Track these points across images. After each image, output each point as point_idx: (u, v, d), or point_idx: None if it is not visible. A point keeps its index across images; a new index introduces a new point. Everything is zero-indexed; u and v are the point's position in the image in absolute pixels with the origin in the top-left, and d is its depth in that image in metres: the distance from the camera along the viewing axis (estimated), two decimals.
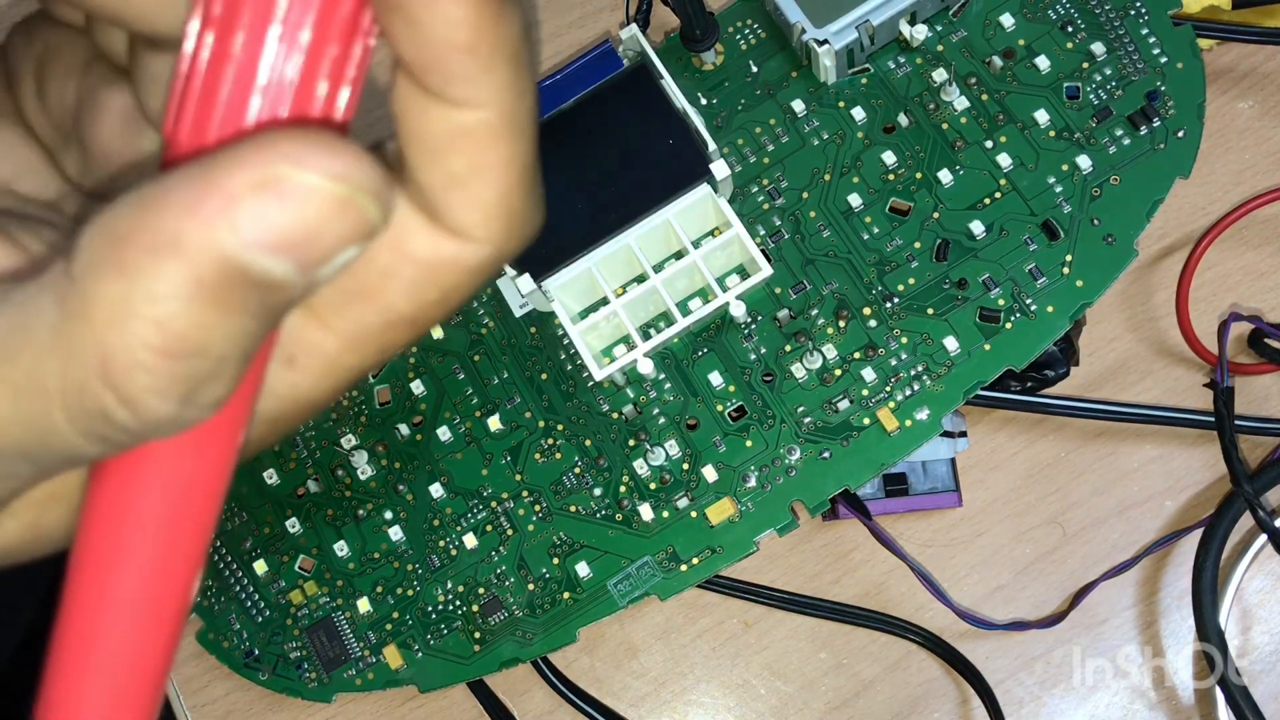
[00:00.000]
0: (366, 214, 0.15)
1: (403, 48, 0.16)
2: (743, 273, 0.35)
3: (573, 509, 0.35)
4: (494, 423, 0.35)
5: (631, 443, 0.35)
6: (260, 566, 0.35)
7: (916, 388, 0.34)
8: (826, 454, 0.34)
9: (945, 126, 0.36)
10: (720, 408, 0.34)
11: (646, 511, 0.34)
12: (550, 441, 0.35)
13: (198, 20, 0.15)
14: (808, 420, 0.34)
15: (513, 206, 0.17)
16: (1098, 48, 0.36)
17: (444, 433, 0.35)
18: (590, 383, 0.35)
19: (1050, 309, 0.34)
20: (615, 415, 0.35)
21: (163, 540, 0.16)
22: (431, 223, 0.17)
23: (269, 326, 0.15)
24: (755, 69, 0.37)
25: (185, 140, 0.16)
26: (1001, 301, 0.34)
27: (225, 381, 0.15)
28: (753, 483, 0.34)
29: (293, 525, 0.36)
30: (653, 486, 0.34)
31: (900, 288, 0.35)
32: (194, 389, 0.15)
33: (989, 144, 0.35)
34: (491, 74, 0.16)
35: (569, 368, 0.35)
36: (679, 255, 0.35)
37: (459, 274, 0.17)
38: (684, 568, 0.34)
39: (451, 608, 0.35)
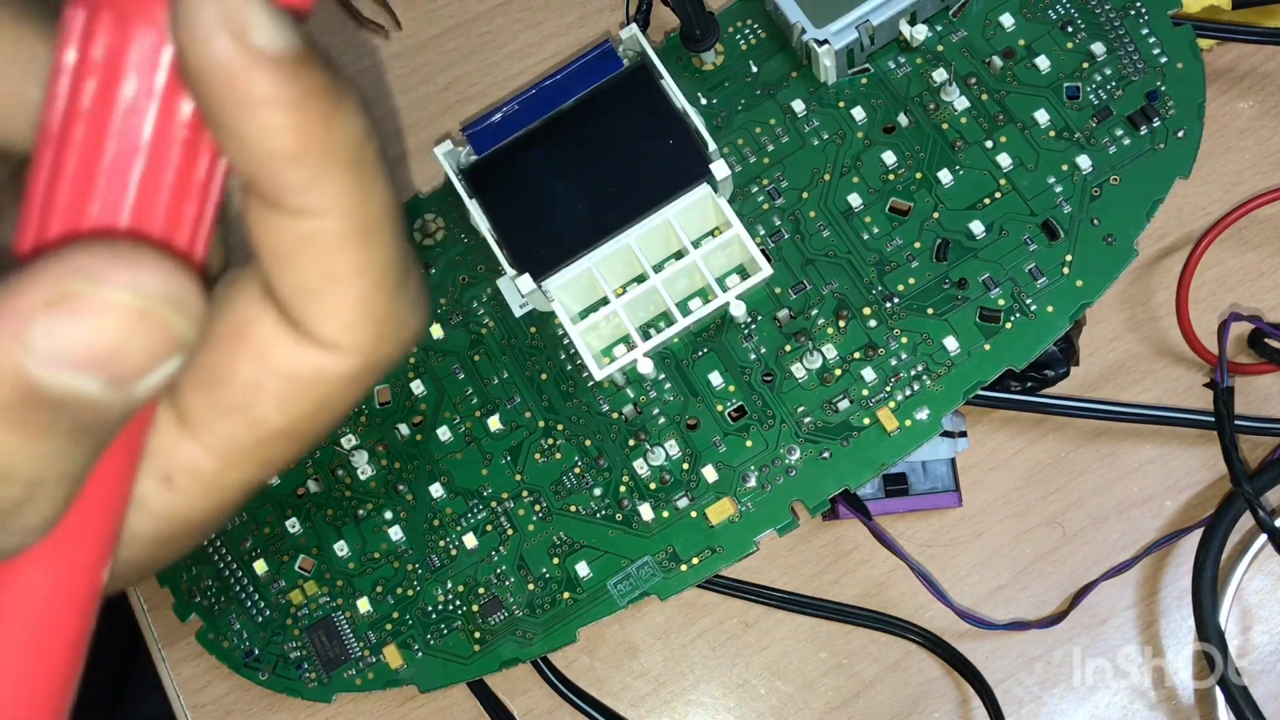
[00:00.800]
0: (172, 328, 0.15)
1: (233, 160, 0.15)
2: (743, 273, 0.35)
3: (573, 509, 0.35)
4: (494, 423, 0.35)
5: (631, 443, 0.35)
6: (260, 566, 0.35)
7: (916, 388, 0.34)
8: (826, 454, 0.34)
9: (945, 126, 0.36)
10: (720, 408, 0.34)
11: (646, 511, 0.34)
12: (550, 441, 0.35)
13: (42, 138, 0.15)
14: (808, 420, 0.34)
15: (377, 313, 0.17)
16: (1098, 48, 0.36)
17: (444, 433, 0.35)
18: (590, 383, 0.35)
19: (1050, 309, 0.34)
20: (615, 415, 0.35)
21: (20, 657, 0.16)
22: (295, 333, 0.16)
23: (94, 445, 0.15)
24: (755, 69, 0.37)
25: (26, 257, 0.15)
26: (1001, 301, 0.34)
27: (47, 505, 0.15)
28: (753, 483, 0.34)
29: (293, 525, 0.36)
30: (653, 486, 0.34)
31: (900, 288, 0.35)
32: (7, 515, 0.15)
33: (989, 144, 0.35)
34: (327, 180, 0.16)
35: (569, 368, 0.35)
36: (679, 255, 0.35)
37: (329, 385, 0.17)
38: (684, 568, 0.34)
39: (451, 608, 0.35)
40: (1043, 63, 0.36)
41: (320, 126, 0.15)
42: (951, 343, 0.34)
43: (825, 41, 0.35)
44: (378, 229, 0.16)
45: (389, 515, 0.35)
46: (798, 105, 0.36)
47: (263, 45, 0.14)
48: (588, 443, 0.35)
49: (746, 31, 0.37)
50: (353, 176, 0.16)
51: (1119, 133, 0.35)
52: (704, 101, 0.37)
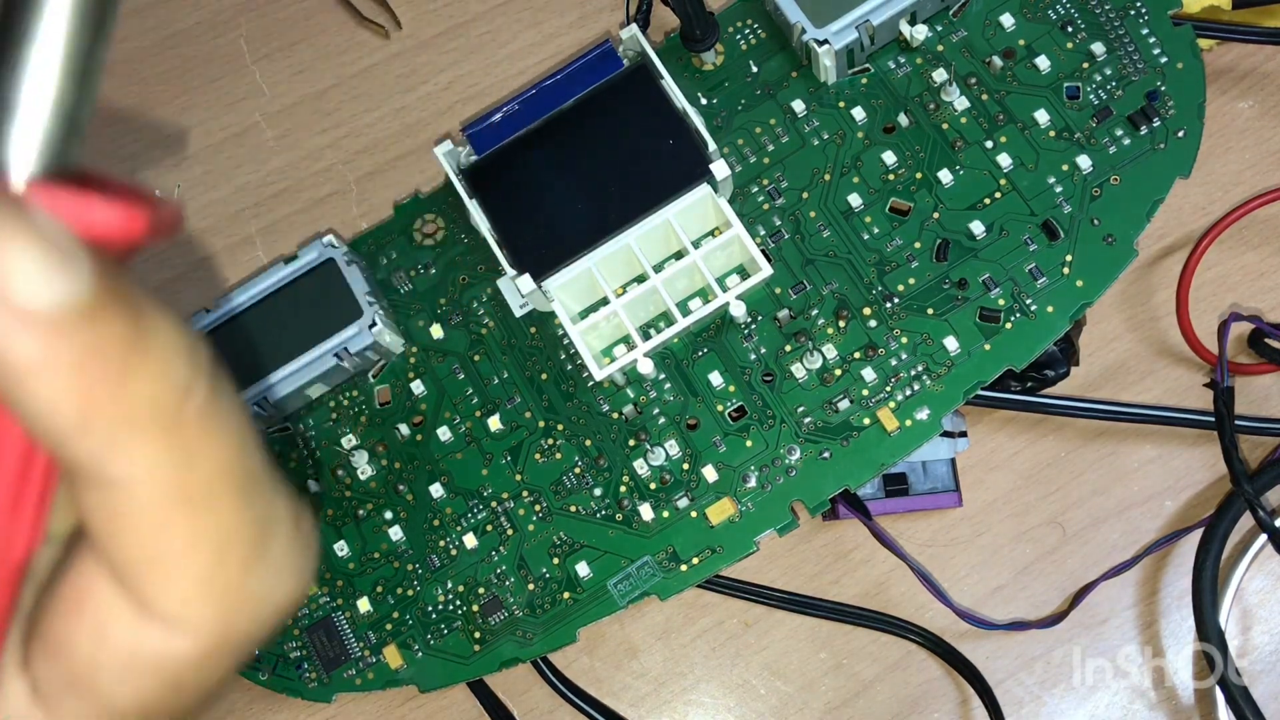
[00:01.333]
0: None
1: (26, 428, 0.13)
2: (743, 273, 0.35)
3: (573, 509, 0.35)
4: (494, 423, 0.35)
5: (632, 443, 0.35)
6: None
7: (916, 388, 0.34)
8: (826, 454, 0.34)
9: (945, 126, 0.36)
10: (720, 408, 0.34)
11: (646, 511, 0.34)
12: (550, 441, 0.35)
13: None
14: (808, 420, 0.34)
15: (223, 587, 0.14)
16: (1098, 48, 0.36)
17: (444, 433, 0.35)
18: (590, 383, 0.35)
19: (1050, 309, 0.34)
20: (615, 415, 0.35)
21: None
22: (135, 605, 0.14)
23: None
24: (755, 69, 0.37)
25: None
26: (1001, 301, 0.34)
27: None
28: (753, 483, 0.34)
29: None
30: (653, 486, 0.34)
31: (900, 288, 0.35)
32: None
33: (989, 144, 0.35)
34: (126, 448, 0.13)
35: (569, 368, 0.35)
36: (679, 255, 0.35)
37: (176, 665, 0.15)
38: (684, 568, 0.34)
39: (451, 608, 0.35)
40: (1043, 63, 0.36)
41: (110, 388, 0.13)
42: (951, 343, 0.34)
43: (825, 41, 0.35)
44: (208, 495, 0.14)
45: (389, 515, 0.35)
46: (798, 105, 0.36)
47: (27, 304, 0.12)
48: (588, 443, 0.35)
49: (746, 31, 0.37)
50: (162, 440, 0.13)
51: (1119, 133, 0.35)
52: (704, 101, 0.37)
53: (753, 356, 0.35)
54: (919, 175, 0.35)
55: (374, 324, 0.35)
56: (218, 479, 0.14)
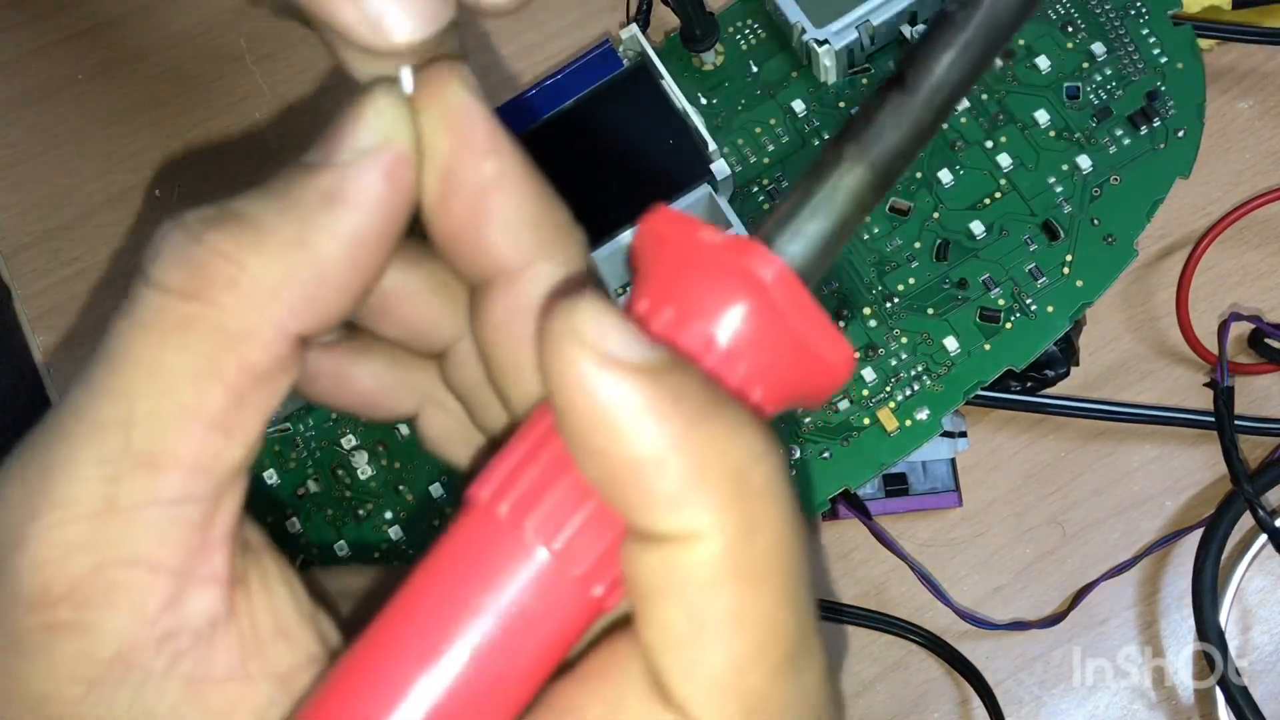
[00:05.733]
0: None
1: (597, 483, 0.15)
2: None
3: None
4: None
5: None
6: None
7: (916, 388, 0.34)
8: (826, 454, 0.34)
9: (945, 126, 0.36)
10: None
11: None
12: None
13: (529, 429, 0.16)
14: (808, 420, 0.34)
15: (749, 685, 0.15)
16: (1098, 48, 0.36)
17: None
18: None
19: (1050, 309, 0.34)
20: None
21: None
22: (653, 691, 0.15)
23: None
24: (755, 69, 0.37)
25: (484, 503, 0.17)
26: (1001, 301, 0.34)
27: None
28: None
29: (293, 525, 0.36)
30: None
31: (900, 288, 0.35)
32: None
33: (989, 144, 0.35)
34: (700, 495, 0.14)
35: None
36: None
37: None
38: None
39: None
40: (1043, 63, 0.36)
41: (688, 433, 0.14)
42: (951, 343, 0.34)
43: (825, 41, 0.35)
44: (762, 573, 0.15)
45: (389, 515, 0.35)
46: (798, 105, 0.36)
47: (618, 354, 0.14)
48: None
49: (746, 31, 0.37)
50: (731, 499, 0.14)
51: (1119, 133, 0.35)
52: (704, 101, 0.37)
53: None
54: (919, 175, 0.35)
55: None
56: (772, 558, 0.15)
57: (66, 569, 0.16)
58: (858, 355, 0.34)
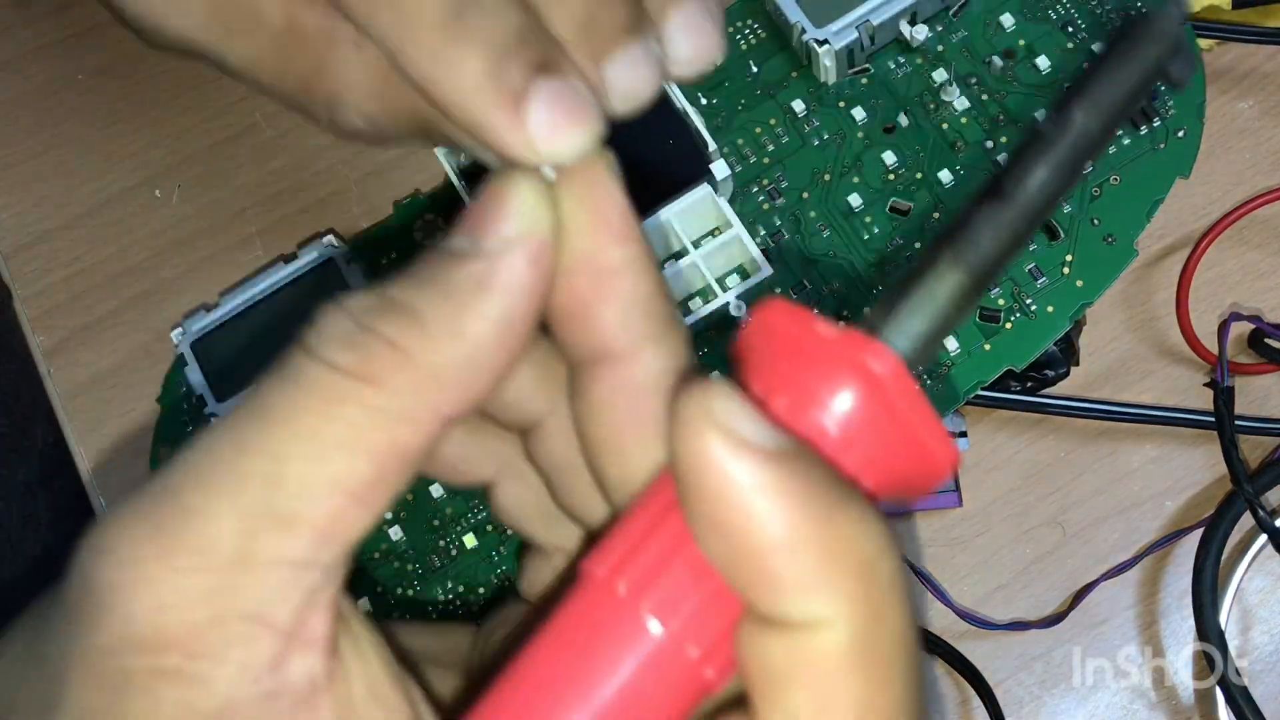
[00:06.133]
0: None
1: (721, 565, 0.15)
2: (743, 273, 0.35)
3: None
4: None
5: None
6: None
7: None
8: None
9: (945, 126, 0.36)
10: None
11: None
12: None
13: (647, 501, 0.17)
14: None
15: None
16: (1098, 48, 0.36)
17: None
18: None
19: (1050, 309, 0.34)
20: None
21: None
22: None
23: None
24: (755, 69, 0.37)
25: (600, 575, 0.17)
26: (1001, 301, 0.34)
27: None
28: None
29: None
30: None
31: None
32: None
33: (989, 144, 0.35)
34: (828, 582, 0.15)
35: None
36: (679, 255, 0.35)
37: None
38: None
39: (451, 608, 0.34)
40: (1043, 63, 0.36)
41: (818, 521, 0.15)
42: (951, 343, 0.34)
43: (825, 41, 0.35)
44: (886, 664, 0.15)
45: (389, 515, 0.35)
46: (798, 105, 0.36)
47: (749, 437, 0.15)
48: None
49: (746, 31, 0.37)
50: (859, 589, 0.15)
51: (1119, 132, 0.35)
52: (704, 101, 0.37)
53: None
54: (919, 175, 0.35)
55: None
56: (897, 646, 0.15)
57: (185, 616, 0.16)
58: None
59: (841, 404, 0.16)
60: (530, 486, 0.23)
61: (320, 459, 0.17)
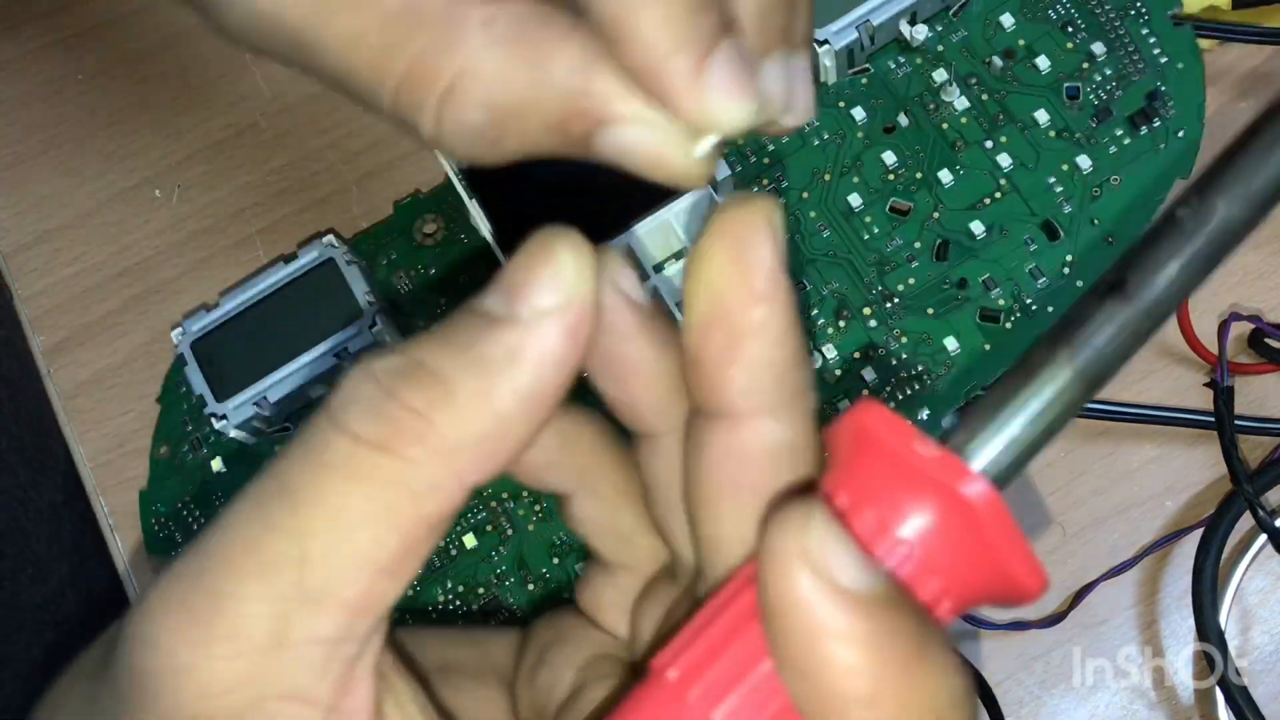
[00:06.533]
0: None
1: (800, 703, 0.16)
2: None
3: None
4: None
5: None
6: None
7: (917, 387, 0.34)
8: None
9: (945, 126, 0.36)
10: None
11: None
12: None
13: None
14: None
15: None
16: (1098, 48, 0.36)
17: None
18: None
19: (1050, 309, 0.34)
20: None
21: None
22: None
23: None
24: None
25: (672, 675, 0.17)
26: (1001, 301, 0.34)
27: None
28: None
29: None
30: None
31: (900, 288, 0.35)
32: None
33: (989, 144, 0.35)
34: None
35: None
36: (679, 255, 0.35)
37: None
38: None
39: (451, 608, 0.34)
40: (1043, 63, 0.36)
41: (898, 674, 0.15)
42: (951, 343, 0.34)
43: (825, 41, 0.35)
44: None
45: None
46: None
47: (843, 582, 0.15)
48: None
49: None
50: None
51: (1119, 133, 0.35)
52: None
53: None
54: (919, 175, 0.35)
55: (374, 324, 0.35)
56: None
57: (229, 701, 0.17)
58: (858, 356, 0.34)
59: (932, 529, 0.16)
60: (605, 505, 0.22)
61: (347, 537, 0.17)
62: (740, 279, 0.18)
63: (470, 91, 0.18)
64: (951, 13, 0.36)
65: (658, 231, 0.34)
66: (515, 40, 0.17)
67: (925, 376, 0.34)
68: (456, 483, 0.18)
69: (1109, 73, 0.35)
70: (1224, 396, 0.34)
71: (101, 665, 0.19)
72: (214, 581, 0.17)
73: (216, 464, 0.36)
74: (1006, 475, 0.16)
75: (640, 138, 0.18)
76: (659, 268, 0.34)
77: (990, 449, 0.16)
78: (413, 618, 0.35)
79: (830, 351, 0.34)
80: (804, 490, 0.18)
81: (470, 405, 0.17)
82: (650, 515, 0.22)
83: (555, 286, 0.18)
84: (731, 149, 0.36)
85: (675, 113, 0.17)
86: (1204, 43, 0.37)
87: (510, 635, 0.24)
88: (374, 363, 0.18)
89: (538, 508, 0.35)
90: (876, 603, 0.15)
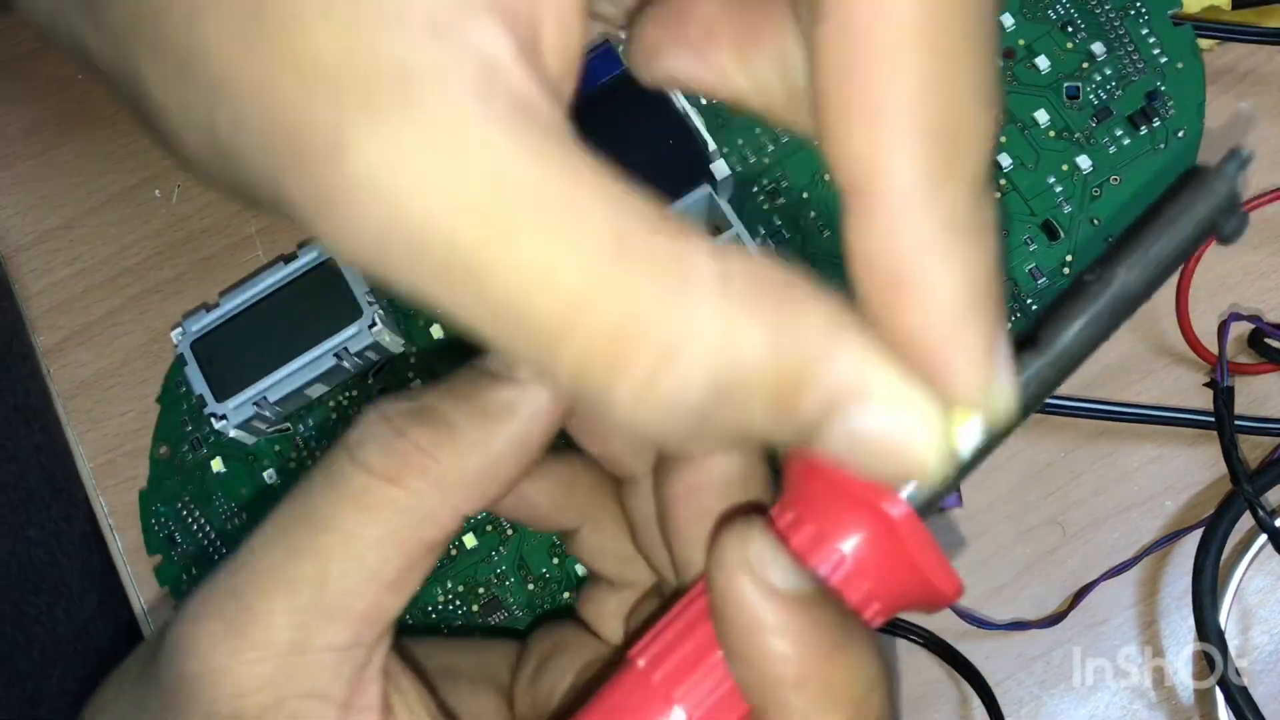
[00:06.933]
0: None
1: (741, 683, 0.18)
2: None
3: None
4: None
5: None
6: None
7: None
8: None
9: None
10: None
11: None
12: None
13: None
14: None
15: None
16: (1098, 48, 0.36)
17: None
18: None
19: None
20: None
21: None
22: None
23: None
24: None
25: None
26: None
27: None
28: None
29: None
30: None
31: None
32: None
33: None
34: (824, 714, 0.18)
35: None
36: None
37: None
38: None
39: (451, 608, 0.34)
40: (1043, 63, 0.36)
41: (821, 661, 0.18)
42: None
43: None
44: None
45: None
46: None
47: (776, 584, 0.18)
48: None
49: None
50: (850, 714, 0.18)
51: (1119, 133, 0.35)
52: (704, 101, 0.37)
53: None
54: None
55: (374, 324, 0.35)
56: None
57: (258, 699, 0.20)
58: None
59: (860, 541, 0.19)
60: (610, 535, 0.26)
61: (359, 558, 0.20)
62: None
63: (696, 361, 0.14)
64: None
65: None
66: (757, 299, 0.15)
67: None
68: (453, 513, 0.21)
69: (1109, 73, 0.35)
70: (1224, 396, 0.34)
71: (143, 670, 0.22)
72: (245, 597, 0.20)
73: (216, 464, 0.36)
74: (929, 501, 0.19)
75: (886, 424, 0.15)
76: None
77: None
78: (413, 618, 0.35)
79: None
80: (751, 510, 0.21)
81: (470, 447, 0.20)
82: (636, 545, 0.25)
83: None
84: (732, 149, 0.36)
85: (949, 389, 0.16)
86: (1204, 43, 0.37)
87: (506, 646, 0.27)
88: (388, 405, 0.21)
89: None
90: (804, 601, 0.18)
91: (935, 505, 0.19)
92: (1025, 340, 0.18)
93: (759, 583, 0.18)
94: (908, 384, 0.15)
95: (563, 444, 0.23)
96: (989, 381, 0.16)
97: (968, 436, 0.17)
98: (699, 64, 0.19)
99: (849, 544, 0.19)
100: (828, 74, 0.15)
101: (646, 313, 0.14)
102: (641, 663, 0.20)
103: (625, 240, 0.14)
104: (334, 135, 0.13)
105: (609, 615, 0.26)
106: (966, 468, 0.19)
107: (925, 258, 0.15)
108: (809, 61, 0.15)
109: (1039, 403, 0.18)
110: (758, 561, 0.18)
